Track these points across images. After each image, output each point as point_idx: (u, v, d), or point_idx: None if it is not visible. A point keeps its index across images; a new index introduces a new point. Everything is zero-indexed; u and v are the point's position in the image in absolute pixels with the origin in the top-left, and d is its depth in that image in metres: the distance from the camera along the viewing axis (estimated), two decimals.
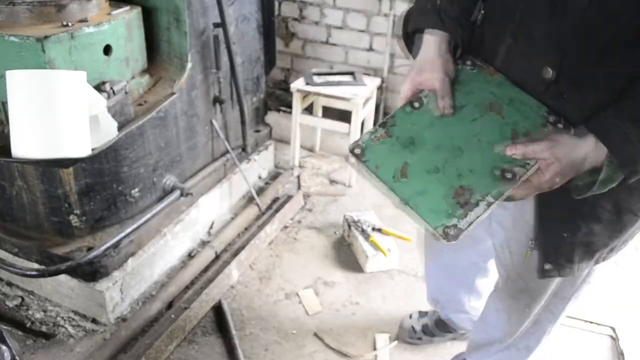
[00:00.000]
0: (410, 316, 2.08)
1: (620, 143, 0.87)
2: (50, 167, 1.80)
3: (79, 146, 1.52)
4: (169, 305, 2.12)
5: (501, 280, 1.43)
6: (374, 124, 1.09)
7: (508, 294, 1.39)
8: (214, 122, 2.44)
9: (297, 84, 2.94)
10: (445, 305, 1.87)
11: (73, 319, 2.06)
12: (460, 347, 1.99)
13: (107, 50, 1.78)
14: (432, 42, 1.08)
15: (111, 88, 1.72)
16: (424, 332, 2.01)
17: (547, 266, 1.14)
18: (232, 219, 2.64)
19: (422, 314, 2.07)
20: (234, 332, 2.01)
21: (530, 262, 1.17)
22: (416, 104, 1.10)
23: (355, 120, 2.86)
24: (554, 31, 0.93)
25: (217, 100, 2.42)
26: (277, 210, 2.64)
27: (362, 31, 3.35)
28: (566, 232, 1.09)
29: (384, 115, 3.39)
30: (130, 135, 1.89)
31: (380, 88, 3.26)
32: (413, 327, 2.02)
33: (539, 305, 1.34)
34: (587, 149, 0.91)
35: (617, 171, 0.90)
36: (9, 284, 2.19)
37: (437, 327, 2.00)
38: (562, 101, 0.98)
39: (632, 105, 0.88)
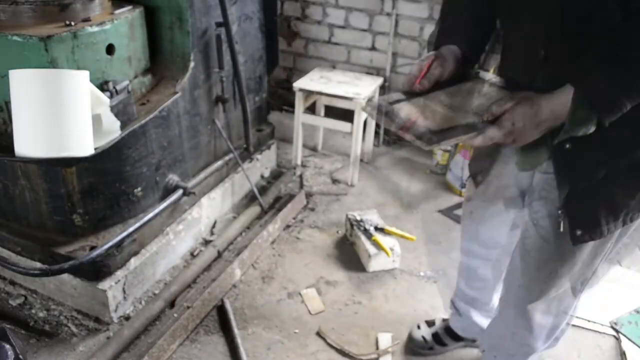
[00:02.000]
0: (419, 326, 2.03)
1: (585, 81, 1.04)
2: (53, 166, 1.80)
3: (82, 145, 1.53)
4: (172, 304, 2.13)
5: (521, 262, 1.43)
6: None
7: (533, 265, 1.39)
8: (217, 121, 2.44)
9: (300, 83, 2.94)
10: (472, 301, 1.84)
11: (76, 318, 2.06)
12: (466, 353, 2.00)
13: (110, 49, 1.78)
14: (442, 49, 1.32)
15: (114, 87, 1.72)
16: (436, 342, 1.97)
17: (579, 232, 1.22)
18: (235, 218, 2.65)
19: (429, 323, 2.04)
20: (236, 331, 2.01)
21: (563, 231, 1.25)
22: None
23: (358, 119, 2.86)
24: (540, 21, 1.15)
25: (220, 100, 2.42)
26: (279, 210, 2.64)
27: (365, 30, 3.35)
28: (588, 197, 1.20)
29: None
30: (133, 135, 1.89)
31: (382, 87, 3.26)
32: (424, 338, 1.98)
33: (569, 271, 1.34)
34: (553, 101, 1.08)
35: (582, 106, 1.04)
36: (12, 283, 2.19)
37: (449, 335, 1.97)
38: (553, 76, 1.12)
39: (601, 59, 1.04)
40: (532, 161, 1.26)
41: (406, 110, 1.19)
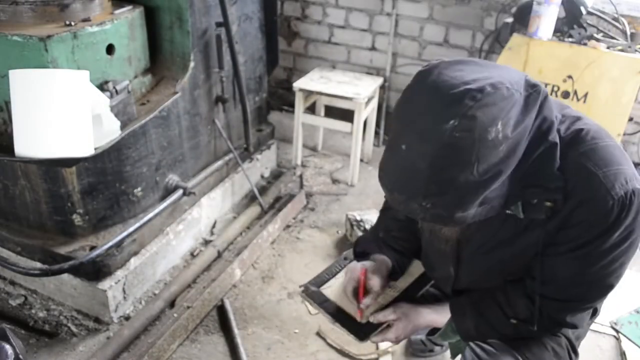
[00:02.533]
0: None
1: (459, 316, 1.24)
2: (53, 167, 1.80)
3: (82, 145, 1.53)
4: (172, 304, 2.13)
5: None
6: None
7: None
8: (217, 121, 2.44)
9: (300, 83, 2.94)
10: None
11: (76, 318, 2.06)
12: None
13: (110, 49, 1.78)
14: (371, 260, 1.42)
15: (114, 87, 1.72)
16: (435, 343, 1.96)
17: None
18: (235, 218, 2.65)
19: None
20: (236, 331, 2.01)
21: None
22: None
23: (358, 119, 2.86)
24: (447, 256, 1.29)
25: (220, 100, 2.42)
26: (279, 210, 2.64)
27: (365, 30, 3.35)
28: None
29: (386, 115, 3.39)
30: (133, 135, 1.89)
31: (382, 87, 3.26)
32: (422, 341, 1.97)
33: None
34: (428, 316, 1.33)
35: (452, 333, 1.27)
36: (12, 283, 2.19)
37: None
38: (462, 283, 1.30)
39: (480, 299, 1.23)
40: (453, 347, 1.41)
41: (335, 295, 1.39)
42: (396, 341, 1.34)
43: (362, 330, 1.31)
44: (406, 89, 0.95)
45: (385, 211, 1.52)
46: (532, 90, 0.93)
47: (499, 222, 1.08)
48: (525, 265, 1.14)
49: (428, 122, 0.88)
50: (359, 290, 1.33)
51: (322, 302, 1.38)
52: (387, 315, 1.32)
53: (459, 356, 1.32)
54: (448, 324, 1.27)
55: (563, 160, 0.99)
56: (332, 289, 1.40)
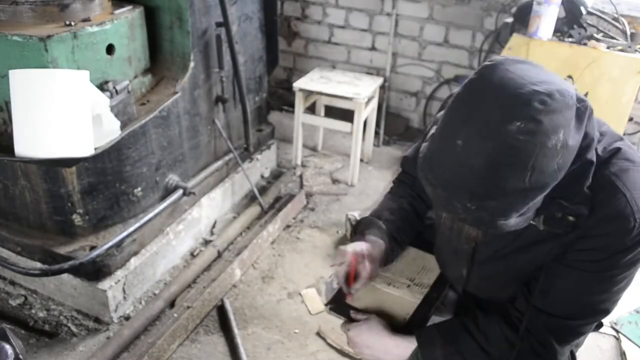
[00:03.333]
0: None
1: (428, 346, 1.18)
2: (53, 167, 1.80)
3: (82, 145, 1.53)
4: (172, 304, 2.13)
5: None
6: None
7: None
8: (217, 121, 2.44)
9: (300, 83, 2.94)
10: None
11: (76, 318, 2.06)
12: None
13: (110, 49, 1.78)
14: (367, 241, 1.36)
15: (114, 87, 1.72)
16: None
17: None
18: (235, 218, 2.65)
19: None
20: (236, 331, 2.01)
21: None
22: None
23: (358, 119, 2.86)
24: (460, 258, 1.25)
25: (220, 100, 2.42)
26: (279, 210, 2.64)
27: (365, 30, 3.35)
28: None
29: (386, 115, 3.39)
30: (133, 135, 1.89)
31: (382, 87, 3.26)
32: None
33: None
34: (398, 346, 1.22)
35: None
36: (12, 283, 2.19)
37: None
38: (472, 285, 1.28)
39: (449, 327, 1.20)
40: None
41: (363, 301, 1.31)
42: (351, 346, 1.28)
43: (407, 332, 1.23)
44: (468, 82, 0.91)
45: (391, 196, 1.47)
46: (580, 104, 0.91)
47: (517, 230, 1.04)
48: (526, 279, 1.13)
49: (492, 119, 0.84)
50: (350, 275, 1.28)
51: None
52: (350, 329, 1.26)
53: None
54: (413, 356, 1.20)
55: (595, 175, 0.98)
56: (359, 299, 1.31)
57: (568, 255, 1.05)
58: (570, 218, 0.98)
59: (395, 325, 1.24)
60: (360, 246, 1.30)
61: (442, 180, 0.90)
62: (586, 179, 0.97)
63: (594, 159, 0.97)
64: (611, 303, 1.07)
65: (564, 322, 1.09)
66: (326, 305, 1.32)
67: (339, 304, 1.30)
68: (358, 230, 1.42)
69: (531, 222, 1.00)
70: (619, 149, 1.03)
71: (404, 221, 1.39)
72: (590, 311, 1.08)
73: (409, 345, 1.19)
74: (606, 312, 1.08)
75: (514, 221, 0.91)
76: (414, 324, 1.24)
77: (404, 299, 1.30)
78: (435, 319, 1.30)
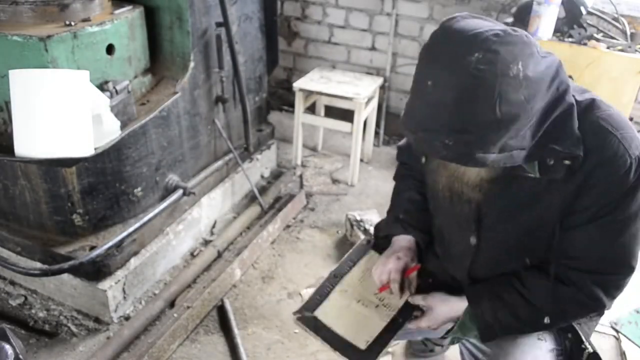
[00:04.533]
0: None
1: (475, 304, 1.22)
2: (53, 167, 1.80)
3: (82, 145, 1.53)
4: (172, 304, 2.13)
5: None
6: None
7: None
8: (217, 121, 2.44)
9: (300, 83, 2.94)
10: None
11: (76, 318, 2.06)
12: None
13: (110, 49, 1.78)
14: (395, 241, 1.43)
15: (114, 87, 1.72)
16: (435, 344, 1.95)
17: None
18: (235, 218, 2.65)
19: None
20: (236, 331, 2.01)
21: None
22: None
23: (358, 119, 2.86)
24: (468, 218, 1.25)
25: (220, 100, 2.42)
26: (279, 210, 2.64)
27: (365, 30, 3.35)
28: None
29: (386, 115, 3.39)
30: (133, 135, 1.89)
31: (382, 87, 3.26)
32: (422, 341, 1.95)
33: None
34: (456, 305, 1.27)
35: (471, 322, 1.23)
36: (12, 283, 2.19)
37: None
38: (482, 258, 1.27)
39: (497, 283, 1.22)
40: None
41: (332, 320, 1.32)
42: (428, 329, 1.32)
43: (364, 357, 1.26)
44: (431, 34, 0.99)
45: (398, 192, 1.52)
46: (548, 54, 0.97)
47: (517, 185, 1.11)
48: (547, 244, 1.15)
49: (454, 55, 0.91)
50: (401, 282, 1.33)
51: (318, 329, 1.31)
52: (419, 300, 1.32)
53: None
54: (466, 313, 1.25)
55: (581, 122, 1.03)
56: (327, 313, 1.34)
57: (579, 214, 1.09)
58: (566, 162, 1.03)
59: (354, 345, 1.27)
60: (396, 264, 1.35)
61: (420, 123, 0.97)
62: (572, 120, 1.02)
63: (574, 102, 1.02)
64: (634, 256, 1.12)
65: (602, 276, 1.13)
66: (294, 314, 1.34)
67: (306, 315, 1.33)
68: (380, 234, 1.47)
69: (528, 174, 1.06)
70: (594, 98, 1.09)
71: (419, 212, 1.43)
72: (622, 261, 1.12)
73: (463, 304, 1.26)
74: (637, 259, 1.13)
75: (494, 156, 0.95)
76: (374, 349, 1.26)
77: (372, 320, 1.32)
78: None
